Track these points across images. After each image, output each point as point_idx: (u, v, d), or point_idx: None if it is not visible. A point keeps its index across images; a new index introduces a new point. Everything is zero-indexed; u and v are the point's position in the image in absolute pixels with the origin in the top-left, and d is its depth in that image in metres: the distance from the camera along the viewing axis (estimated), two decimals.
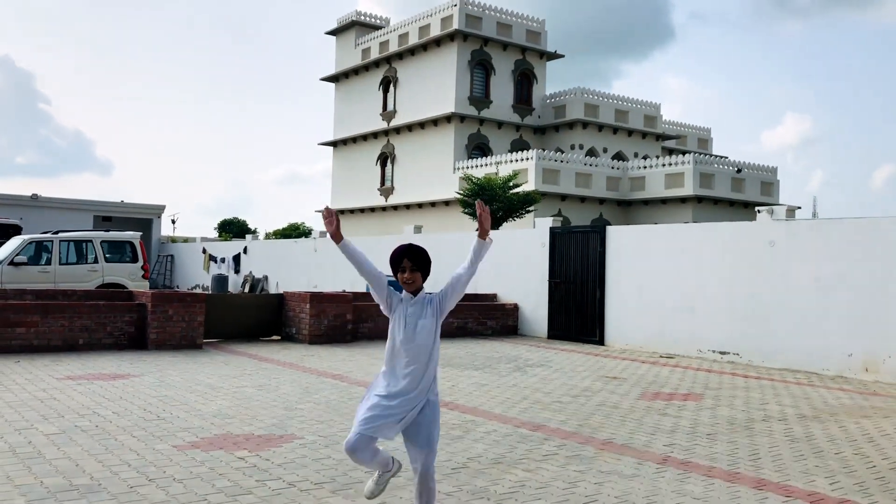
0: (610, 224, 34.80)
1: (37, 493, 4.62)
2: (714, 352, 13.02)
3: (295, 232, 65.69)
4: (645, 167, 36.79)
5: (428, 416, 3.91)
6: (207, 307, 13.19)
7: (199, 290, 30.99)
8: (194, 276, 33.41)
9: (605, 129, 41.47)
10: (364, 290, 18.27)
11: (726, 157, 40.85)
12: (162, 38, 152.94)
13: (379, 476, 4.16)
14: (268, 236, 59.67)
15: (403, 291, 4.03)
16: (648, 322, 14.17)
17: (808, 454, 6.30)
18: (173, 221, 50.11)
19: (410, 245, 3.99)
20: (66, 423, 6.57)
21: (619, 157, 41.28)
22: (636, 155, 42.02)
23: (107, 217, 35.66)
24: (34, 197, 33.90)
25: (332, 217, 3.96)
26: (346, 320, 14.19)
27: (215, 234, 66.12)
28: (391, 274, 4.12)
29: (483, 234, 4.01)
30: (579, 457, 5.98)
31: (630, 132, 42.35)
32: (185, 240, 39.47)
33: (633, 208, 37.44)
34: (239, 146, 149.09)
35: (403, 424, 3.88)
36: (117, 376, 9.25)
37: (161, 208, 37.52)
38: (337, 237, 3.99)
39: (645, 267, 14.36)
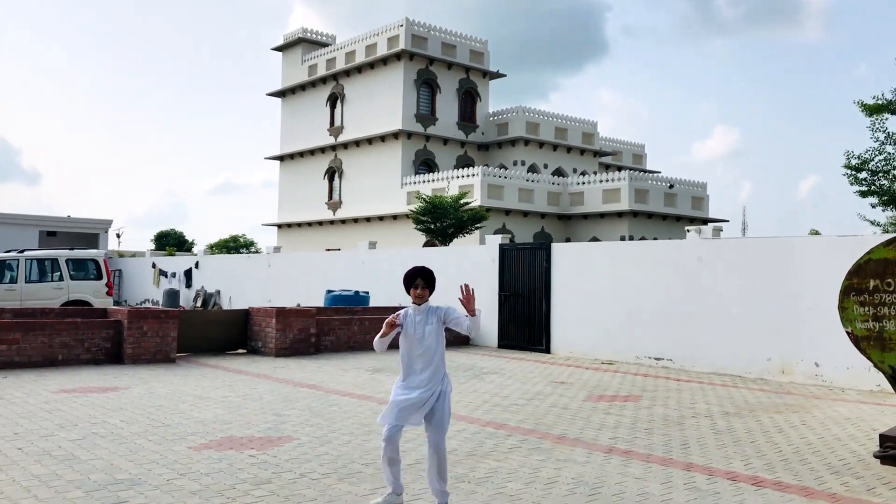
0: (551, 237, 36.43)
1: (88, 485, 5.44)
2: (650, 358, 14.32)
3: (235, 244, 65.60)
4: (583, 183, 38.47)
5: (441, 404, 4.94)
6: (178, 323, 13.88)
7: (148, 305, 31.19)
8: (143, 291, 33.56)
9: (546, 145, 43.13)
10: (323, 304, 19.11)
11: (659, 173, 43.05)
12: (94, 44, 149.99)
13: (387, 497, 5.01)
14: (211, 248, 59.52)
15: (410, 305, 5.08)
16: (591, 331, 15.42)
17: (729, 443, 7.51)
18: (118, 236, 49.79)
19: (423, 268, 5.11)
20: (84, 430, 7.33)
21: (558, 172, 42.97)
22: (575, 171, 43.78)
23: (51, 232, 35.50)
24: None
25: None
26: (311, 333, 15.03)
27: (152, 247, 65.55)
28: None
29: (471, 313, 4.96)
30: (539, 449, 7.05)
31: (569, 149, 44.11)
32: (134, 254, 39.45)
33: (573, 222, 39.06)
34: (175, 157, 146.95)
35: (424, 411, 4.88)
36: (107, 389, 9.95)
37: (108, 223, 37.51)
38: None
39: (587, 281, 15.62)
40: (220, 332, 15.07)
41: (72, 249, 19.10)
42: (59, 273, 17.49)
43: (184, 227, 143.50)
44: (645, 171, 45.33)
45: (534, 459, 6.62)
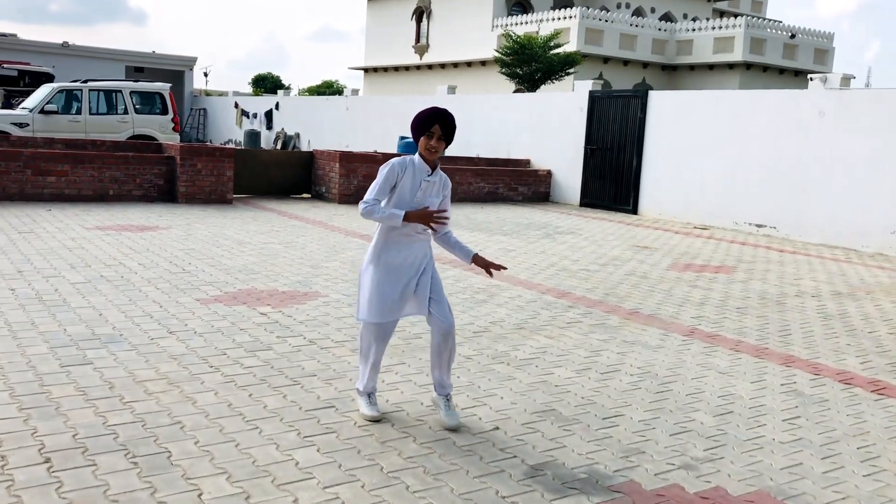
0: (653, 89, 33.55)
1: (59, 339, 4.65)
2: (751, 224, 12.69)
3: (329, 90, 64.66)
4: (693, 30, 34.97)
5: (432, 273, 3.73)
6: (237, 163, 13.08)
7: (231, 145, 30.92)
8: (227, 132, 33.24)
9: None
10: (396, 150, 18.00)
11: (780, 22, 38.62)
12: None
13: (369, 397, 3.78)
14: (301, 93, 58.88)
15: (416, 156, 3.65)
16: (685, 192, 13.80)
17: (841, 332, 6.14)
18: (206, 74, 49.51)
19: (444, 111, 3.59)
20: (93, 272, 6.60)
21: (666, 17, 39.22)
22: (685, 16, 39.87)
23: (139, 68, 35.17)
24: (65, 45, 33.41)
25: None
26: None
27: (249, 90, 65.40)
28: (408, 137, 3.76)
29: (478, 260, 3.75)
30: (604, 325, 5.89)
31: None
32: (220, 94, 39.02)
33: (678, 73, 35.94)
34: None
35: (411, 291, 3.68)
36: (145, 228, 9.28)
37: (193, 60, 36.87)
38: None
39: (686, 135, 13.81)
40: (283, 175, 14.25)
41: (136, 82, 18.39)
42: (123, 106, 16.84)
43: (282, 71, 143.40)
44: (764, 20, 40.86)
45: (595, 339, 5.47)
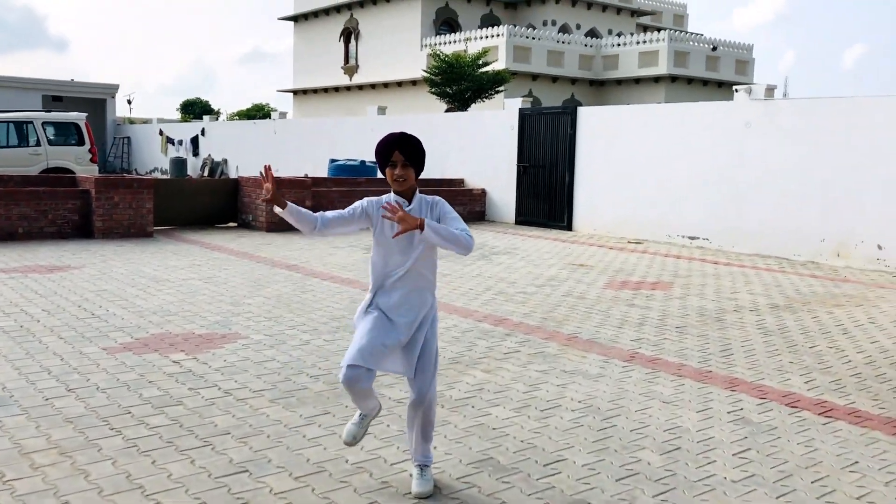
0: (582, 105, 33.91)
1: None
2: (684, 237, 12.70)
3: (259, 113, 63.68)
4: (618, 45, 35.57)
5: (428, 339, 3.26)
6: (158, 193, 12.50)
7: (157, 174, 29.93)
8: (152, 160, 32.22)
9: (579, 3, 39.77)
10: (326, 174, 17.58)
11: (701, 35, 39.64)
12: None
13: (361, 418, 3.42)
14: (230, 117, 57.82)
15: (391, 193, 3.26)
16: (618, 207, 13.76)
17: (782, 349, 6.01)
18: (129, 102, 48.20)
19: (402, 134, 3.17)
20: None
21: (592, 33, 39.83)
22: (610, 32, 40.56)
23: (57, 97, 33.86)
24: None
25: (269, 177, 3.12)
26: (305, 207, 13.56)
27: (177, 115, 63.92)
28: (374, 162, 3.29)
29: (418, 226, 3.03)
30: (542, 354, 5.62)
31: (604, 7, 40.71)
32: (144, 121, 37.88)
33: (605, 88, 36.47)
34: (200, 21, 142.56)
35: (404, 350, 3.24)
36: (55, 268, 8.67)
37: (115, 87, 35.71)
38: (279, 202, 3.12)
39: (616, 150, 13.81)
40: (208, 204, 13.69)
41: (49, 112, 17.51)
42: (35, 137, 15.99)
43: (211, 95, 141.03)
44: (686, 34, 41.87)
45: (533, 370, 5.20)
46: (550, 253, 11.32)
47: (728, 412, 4.47)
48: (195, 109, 69.96)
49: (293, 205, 3.21)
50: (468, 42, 32.27)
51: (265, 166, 3.21)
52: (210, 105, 74.46)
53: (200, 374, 4.89)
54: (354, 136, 20.23)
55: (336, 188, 14.75)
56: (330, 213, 3.30)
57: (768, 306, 7.71)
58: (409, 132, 3.24)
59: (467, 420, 4.21)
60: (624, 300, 7.80)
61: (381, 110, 20.10)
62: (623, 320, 6.86)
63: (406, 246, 3.20)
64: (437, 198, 3.30)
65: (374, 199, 3.28)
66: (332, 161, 17.58)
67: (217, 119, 32.20)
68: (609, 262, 10.47)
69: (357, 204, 3.28)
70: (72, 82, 35.13)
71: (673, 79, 34.13)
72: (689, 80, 34.89)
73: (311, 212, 3.28)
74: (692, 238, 12.58)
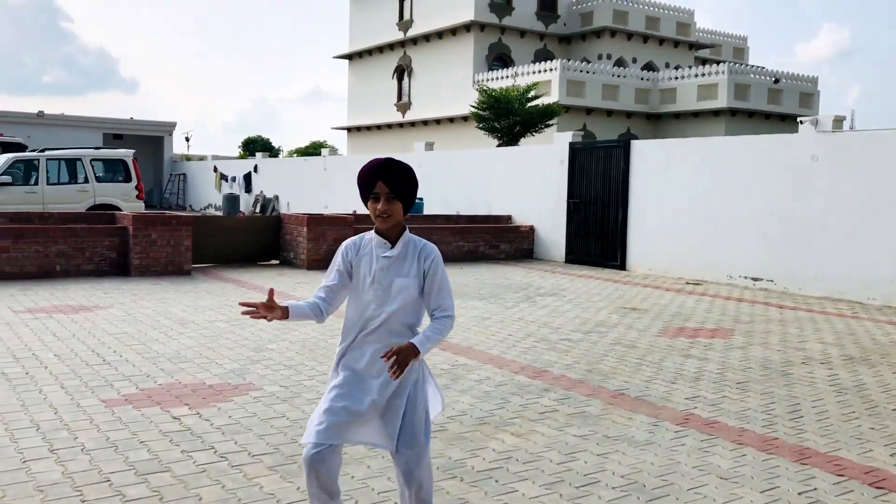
0: (637, 139, 33.08)
1: None
2: (746, 278, 11.88)
3: (317, 150, 64.51)
4: (676, 78, 34.77)
5: (412, 403, 2.73)
6: (199, 230, 12.30)
7: (211, 210, 30.19)
8: (207, 196, 32.59)
9: (635, 37, 39.18)
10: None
11: (763, 68, 38.58)
12: None
13: None
14: (290, 154, 58.61)
15: (373, 232, 2.78)
16: (675, 245, 13.02)
17: (860, 411, 5.26)
18: (187, 139, 49.23)
19: (385, 161, 2.67)
20: None
21: (649, 67, 39.12)
22: (667, 65, 39.79)
23: (117, 135, 34.70)
24: (40, 114, 32.91)
25: (258, 311, 2.69)
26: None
27: (237, 153, 65.16)
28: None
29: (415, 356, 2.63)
30: (583, 414, 5.00)
31: (661, 41, 40.02)
32: (199, 158, 38.52)
33: (662, 122, 35.64)
34: (262, 62, 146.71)
35: (378, 421, 2.73)
36: (82, 309, 8.41)
37: (172, 125, 36.44)
38: (282, 313, 2.72)
39: (673, 185, 13.11)
40: (250, 241, 13.46)
41: (97, 149, 17.67)
42: (83, 174, 16.08)
43: (272, 133, 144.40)
44: (747, 66, 40.83)
45: (571, 435, 4.58)
46: (601, 295, 10.66)
47: (799, 493, 3.78)
48: (256, 147, 71.40)
49: (293, 307, 2.76)
50: (517, 77, 31.93)
51: (269, 291, 2.80)
52: (270, 142, 76.02)
53: (199, 432, 4.43)
54: None
55: None
56: (322, 292, 2.83)
57: (841, 358, 6.92)
58: (396, 158, 2.74)
59: (488, 499, 3.62)
60: (679, 350, 7.12)
61: (429, 146, 19.78)
62: (677, 374, 6.19)
63: (383, 295, 2.70)
64: (432, 248, 2.78)
65: (350, 244, 2.79)
66: None
67: (277, 156, 32.50)
68: (664, 306, 9.76)
69: (334, 263, 2.82)
70: (131, 120, 35.98)
71: (733, 112, 33.13)
72: (751, 114, 33.84)
73: (310, 302, 2.81)
74: (755, 279, 11.75)
